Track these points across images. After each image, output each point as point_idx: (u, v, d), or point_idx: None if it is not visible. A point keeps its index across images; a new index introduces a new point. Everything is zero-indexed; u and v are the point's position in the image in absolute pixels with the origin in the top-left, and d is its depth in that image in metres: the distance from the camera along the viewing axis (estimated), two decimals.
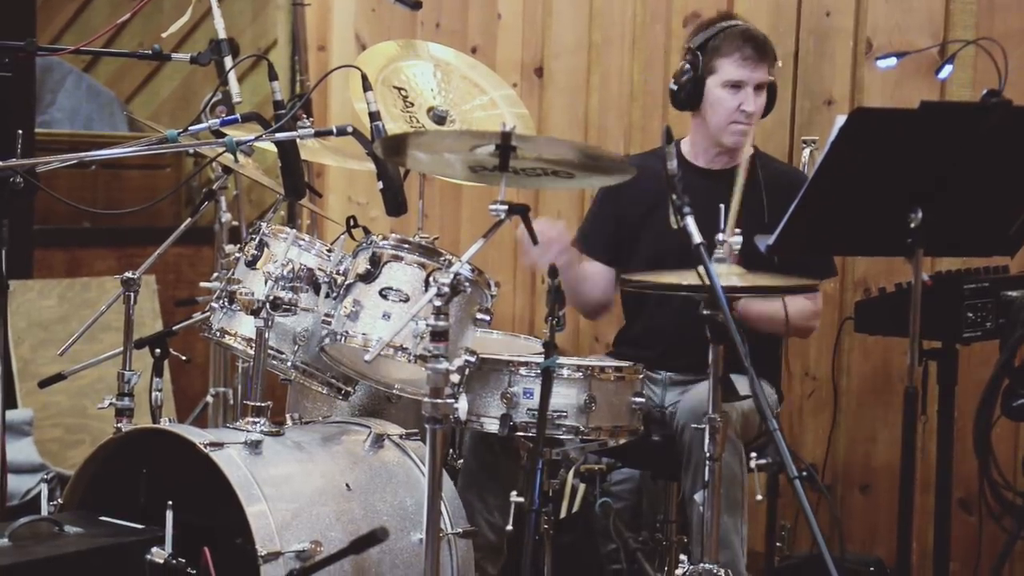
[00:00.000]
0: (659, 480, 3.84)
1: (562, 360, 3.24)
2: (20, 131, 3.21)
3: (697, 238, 2.79)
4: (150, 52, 3.25)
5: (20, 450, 4.53)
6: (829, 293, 4.07)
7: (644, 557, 3.76)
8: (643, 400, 3.35)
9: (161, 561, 2.85)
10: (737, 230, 3.13)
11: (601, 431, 3.29)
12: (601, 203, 3.88)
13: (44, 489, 3.17)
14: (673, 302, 3.53)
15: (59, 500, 3.11)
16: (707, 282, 2.75)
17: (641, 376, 3.39)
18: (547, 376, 3.03)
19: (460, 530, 3.16)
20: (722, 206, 3.12)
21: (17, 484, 4.36)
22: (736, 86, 3.67)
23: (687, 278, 2.98)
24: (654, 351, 3.67)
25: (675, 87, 3.74)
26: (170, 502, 2.85)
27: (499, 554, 3.58)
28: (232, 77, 3.22)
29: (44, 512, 3.11)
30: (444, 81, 3.92)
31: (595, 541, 3.94)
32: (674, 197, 2.86)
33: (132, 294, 3.46)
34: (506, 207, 2.78)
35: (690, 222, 2.82)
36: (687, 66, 3.71)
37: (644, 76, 4.62)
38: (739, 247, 3.11)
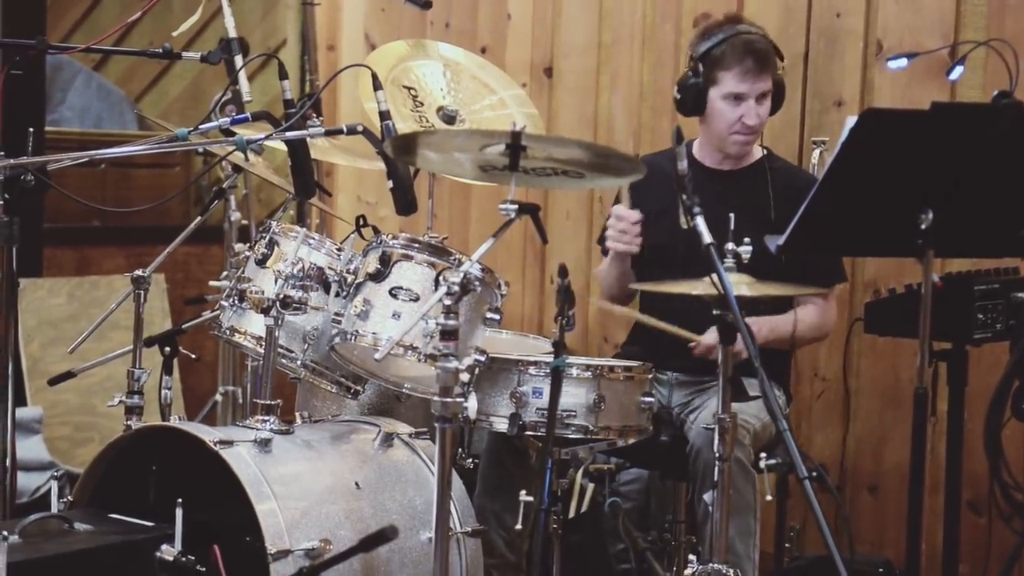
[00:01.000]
0: (668, 480, 3.83)
1: (571, 360, 3.24)
2: (31, 129, 3.21)
3: (707, 238, 2.79)
4: (160, 51, 3.25)
5: (30, 448, 4.54)
6: (839, 295, 4.06)
7: (653, 557, 3.76)
8: (652, 400, 3.34)
9: (171, 559, 2.85)
10: (747, 239, 3.12)
11: (610, 431, 3.29)
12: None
13: (54, 486, 3.18)
14: (679, 302, 3.50)
15: (69, 497, 3.11)
16: (718, 283, 2.74)
17: (651, 376, 3.38)
18: (556, 375, 3.02)
19: (469, 529, 3.17)
20: (732, 215, 3.11)
21: (26, 482, 4.37)
22: (738, 98, 3.65)
23: (697, 280, 2.98)
24: (661, 351, 3.66)
25: (679, 95, 3.73)
26: (180, 500, 2.85)
27: (517, 572, 3.58)
28: (242, 76, 3.22)
29: (54, 509, 3.11)
30: (454, 81, 3.91)
31: (604, 541, 3.94)
32: (684, 197, 2.85)
33: (141, 292, 3.48)
34: (516, 206, 2.77)
35: (700, 222, 2.81)
36: (690, 74, 3.70)
37: (654, 76, 4.61)
38: (748, 256, 3.10)
